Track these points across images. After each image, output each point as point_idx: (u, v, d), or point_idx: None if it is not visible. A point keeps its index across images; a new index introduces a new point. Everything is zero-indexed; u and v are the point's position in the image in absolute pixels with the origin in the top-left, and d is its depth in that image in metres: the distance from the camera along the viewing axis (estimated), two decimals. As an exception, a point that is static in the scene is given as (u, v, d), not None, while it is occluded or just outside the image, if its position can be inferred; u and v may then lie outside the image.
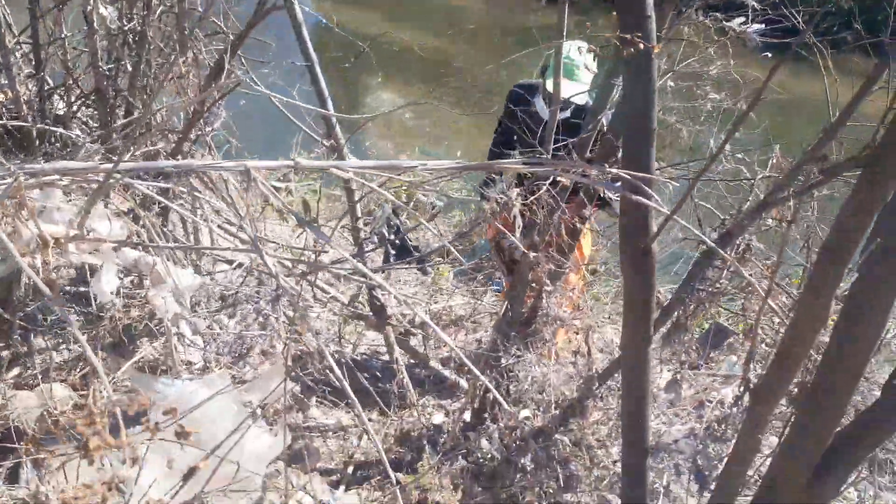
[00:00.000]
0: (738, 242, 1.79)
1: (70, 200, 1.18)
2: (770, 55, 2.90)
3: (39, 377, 2.04)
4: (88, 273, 1.91)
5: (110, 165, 0.93)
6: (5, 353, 2.10)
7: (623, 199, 1.11)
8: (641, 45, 0.84)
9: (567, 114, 2.96)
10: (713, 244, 1.66)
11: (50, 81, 2.41)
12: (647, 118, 1.01)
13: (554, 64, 2.20)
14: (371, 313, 2.86)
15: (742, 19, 3.04)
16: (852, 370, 1.00)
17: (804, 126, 9.09)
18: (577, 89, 2.77)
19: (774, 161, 1.79)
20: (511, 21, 13.73)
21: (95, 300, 1.76)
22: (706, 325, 2.75)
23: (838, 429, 1.10)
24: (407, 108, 9.75)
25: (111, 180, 0.95)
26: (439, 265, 4.58)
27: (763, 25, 2.80)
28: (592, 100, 2.74)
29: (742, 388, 2.24)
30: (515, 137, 2.99)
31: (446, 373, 3.25)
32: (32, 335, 2.20)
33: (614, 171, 0.99)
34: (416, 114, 9.81)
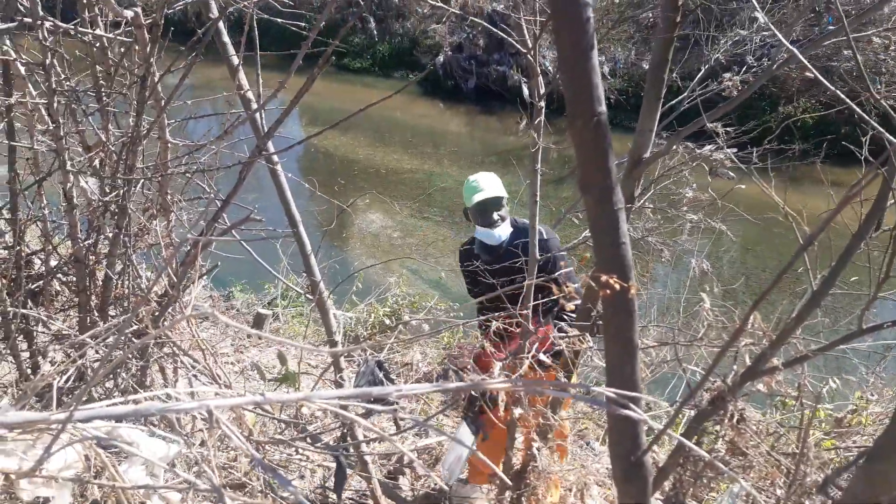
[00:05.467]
0: (731, 411, 1.72)
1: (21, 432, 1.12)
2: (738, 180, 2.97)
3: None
4: None
5: (62, 416, 0.88)
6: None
7: (609, 412, 1.06)
8: (618, 287, 0.82)
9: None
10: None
11: (28, 248, 2.40)
12: (629, 337, 0.98)
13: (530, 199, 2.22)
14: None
15: (713, 147, 3.13)
16: None
17: (775, 236, 9.31)
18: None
19: (755, 325, 1.76)
20: (492, 143, 14.29)
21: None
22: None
23: None
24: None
25: (65, 431, 0.89)
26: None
27: (734, 150, 2.88)
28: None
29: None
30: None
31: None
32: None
33: (599, 389, 0.94)
34: (403, 232, 10.03)
